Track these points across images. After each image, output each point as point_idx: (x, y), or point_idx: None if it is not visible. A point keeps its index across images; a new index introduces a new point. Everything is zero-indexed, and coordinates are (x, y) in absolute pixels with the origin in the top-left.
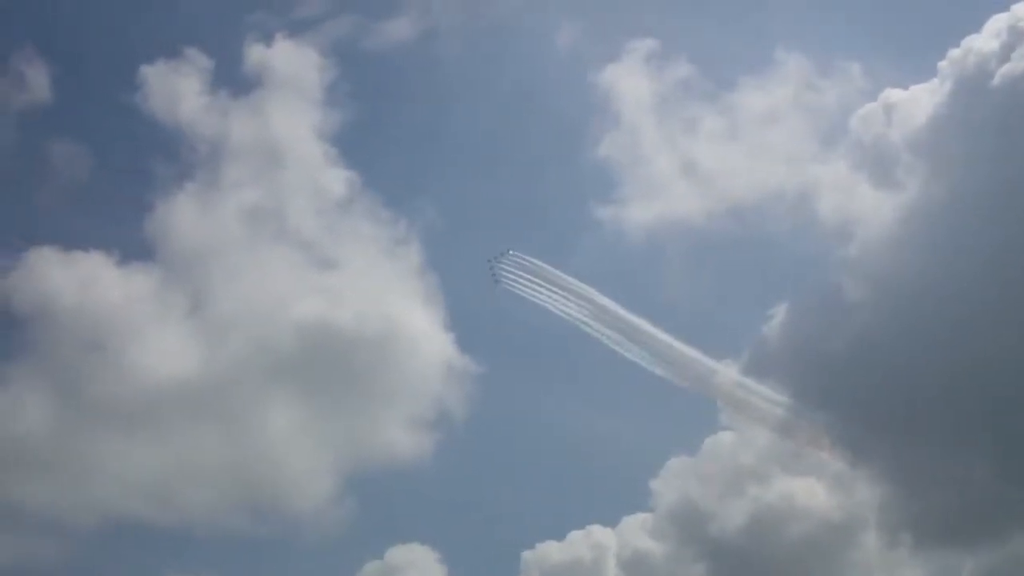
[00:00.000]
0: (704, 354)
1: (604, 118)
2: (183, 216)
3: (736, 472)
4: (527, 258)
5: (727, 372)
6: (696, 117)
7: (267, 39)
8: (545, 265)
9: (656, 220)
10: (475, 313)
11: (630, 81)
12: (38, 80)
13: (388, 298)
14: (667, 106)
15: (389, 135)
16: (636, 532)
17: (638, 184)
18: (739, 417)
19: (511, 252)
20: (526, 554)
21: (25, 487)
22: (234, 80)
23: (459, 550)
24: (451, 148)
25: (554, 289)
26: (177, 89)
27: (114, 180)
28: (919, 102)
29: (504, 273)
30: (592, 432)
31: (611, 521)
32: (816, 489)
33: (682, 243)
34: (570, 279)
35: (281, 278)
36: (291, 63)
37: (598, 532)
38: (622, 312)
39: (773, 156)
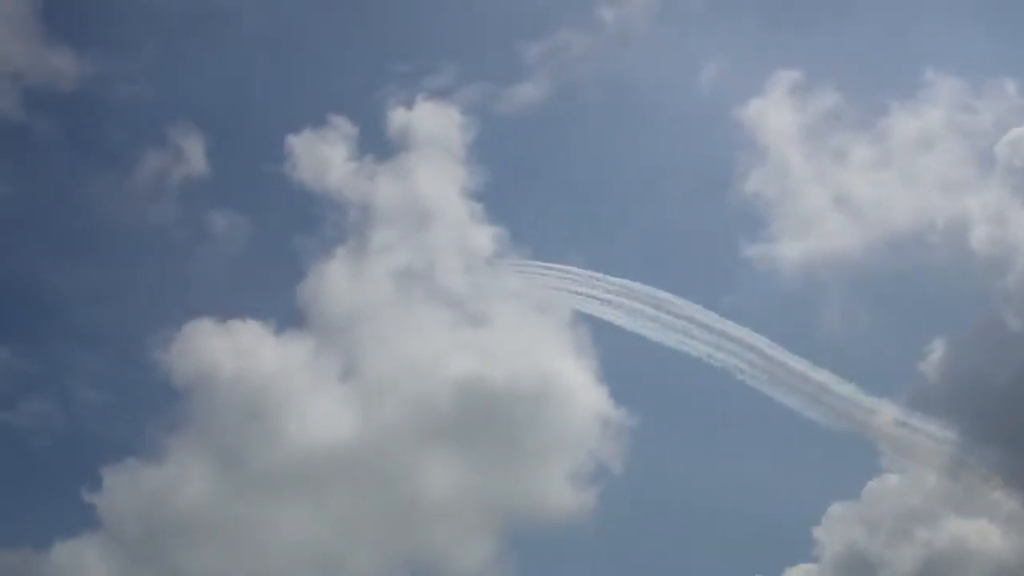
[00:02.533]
0: (861, 393)
1: (750, 154)
2: (334, 281)
3: (903, 516)
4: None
5: (886, 412)
6: (845, 147)
7: (408, 103)
8: (696, 306)
9: (808, 256)
10: (627, 364)
11: (775, 114)
12: (195, 153)
13: (540, 352)
14: (815, 137)
15: (533, 189)
16: None
17: (788, 219)
18: (902, 458)
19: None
20: None
21: (191, 557)
22: (378, 144)
23: None
24: (596, 197)
25: (705, 333)
26: (324, 157)
27: (267, 249)
28: None
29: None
30: (749, 481)
31: (774, 573)
32: (990, 531)
33: (836, 278)
34: (721, 320)
35: (433, 337)
36: (433, 123)
37: None
38: (775, 353)
39: (928, 183)
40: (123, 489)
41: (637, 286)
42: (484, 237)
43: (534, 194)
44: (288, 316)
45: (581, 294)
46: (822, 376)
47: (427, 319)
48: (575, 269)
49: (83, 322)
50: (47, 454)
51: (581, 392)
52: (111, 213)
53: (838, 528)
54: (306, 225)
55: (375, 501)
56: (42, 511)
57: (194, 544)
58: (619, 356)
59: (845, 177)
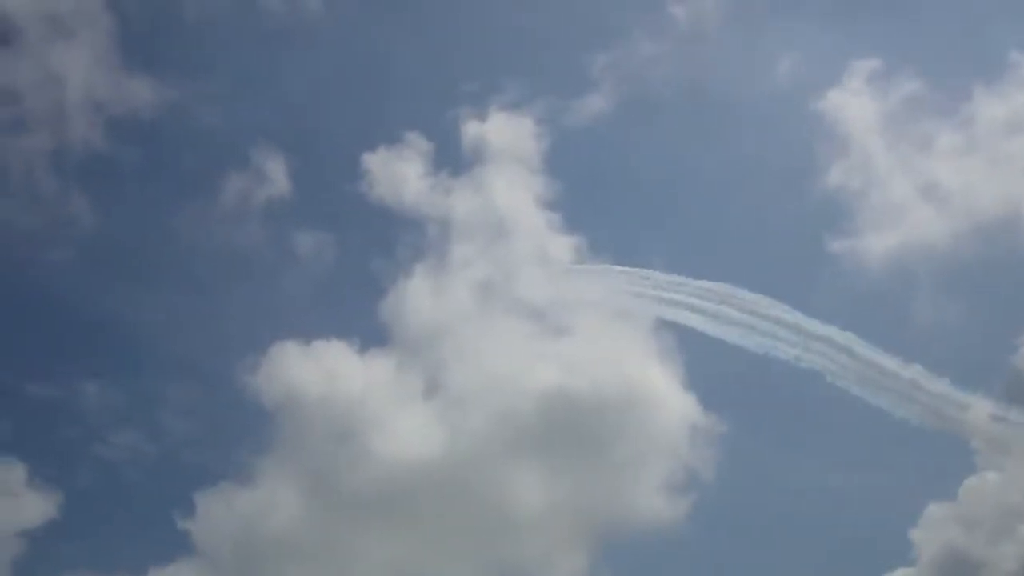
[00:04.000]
0: (954, 389)
1: (831, 146)
2: (415, 298)
3: (1003, 514)
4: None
5: (981, 407)
6: (929, 134)
7: (481, 116)
8: (782, 306)
9: (895, 248)
10: (714, 369)
11: (855, 104)
12: (277, 174)
13: (625, 360)
14: (897, 126)
15: (610, 196)
16: None
17: (873, 211)
18: (998, 455)
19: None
20: None
21: None
22: (453, 159)
23: None
24: (674, 200)
25: (791, 334)
26: (400, 173)
27: (348, 268)
28: None
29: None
30: (842, 485)
31: None
32: None
33: (925, 271)
34: (807, 319)
35: (515, 350)
36: (507, 135)
37: None
38: (864, 352)
39: (1016, 168)
40: (216, 513)
41: (720, 287)
42: (563, 246)
43: (611, 201)
44: (371, 334)
45: (663, 299)
46: (913, 373)
47: (509, 332)
48: (656, 273)
49: (171, 352)
50: (140, 483)
51: (668, 399)
52: (196, 239)
53: (936, 529)
54: (385, 243)
55: (464, 516)
56: (138, 538)
57: (287, 565)
58: (705, 361)
59: (930, 165)
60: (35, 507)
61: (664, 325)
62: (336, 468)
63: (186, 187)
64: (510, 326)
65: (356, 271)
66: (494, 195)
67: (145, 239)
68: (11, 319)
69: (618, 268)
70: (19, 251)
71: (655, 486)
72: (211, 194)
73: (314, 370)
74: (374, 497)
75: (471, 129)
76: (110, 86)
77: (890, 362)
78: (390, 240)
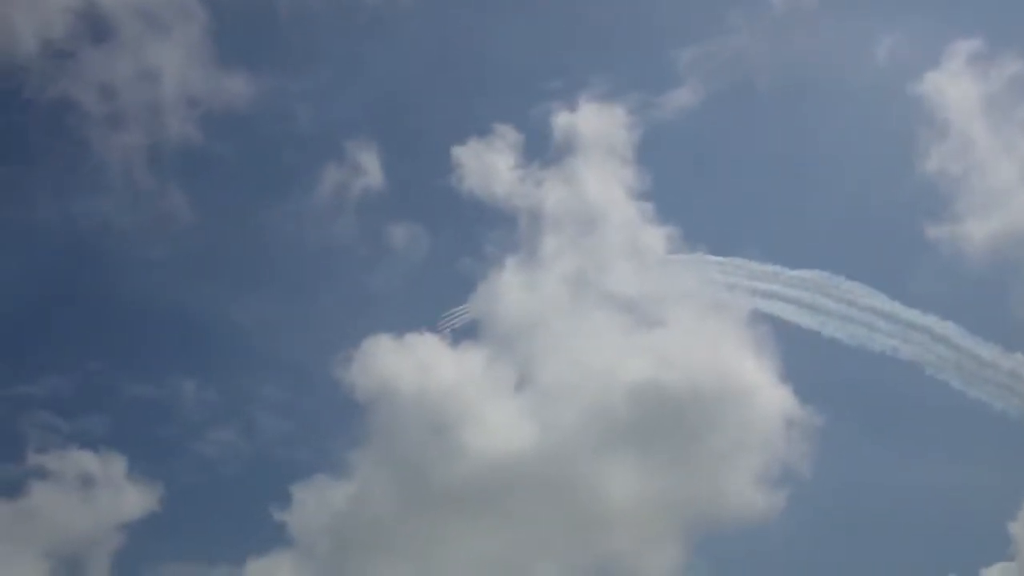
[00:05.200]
0: None
1: (931, 130)
2: (506, 290)
3: None
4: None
5: None
6: None
7: (571, 106)
8: (879, 295)
9: (997, 235)
10: (810, 360)
11: (955, 87)
12: (371, 166)
13: (719, 352)
14: (999, 108)
15: (703, 185)
16: None
17: (975, 197)
18: None
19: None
20: None
21: (379, 570)
22: (544, 150)
23: None
24: (768, 188)
25: (889, 324)
26: (490, 165)
27: (439, 260)
28: None
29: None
30: (940, 478)
31: (971, 573)
32: None
33: None
34: (905, 309)
35: (608, 342)
36: (598, 125)
37: None
38: (964, 342)
39: None
40: (312, 506)
41: (816, 277)
42: (655, 237)
43: (705, 190)
44: (463, 327)
45: (758, 290)
46: (1014, 363)
47: (601, 324)
48: (750, 263)
49: (265, 349)
50: (237, 478)
51: (763, 392)
52: (290, 233)
53: None
54: (476, 235)
55: (557, 510)
56: (236, 531)
57: (382, 557)
58: (801, 352)
59: None
60: (136, 500)
61: (759, 316)
62: (428, 461)
63: (281, 182)
64: (602, 318)
65: (447, 264)
66: (585, 186)
67: (240, 235)
68: (111, 318)
69: (712, 258)
70: (118, 249)
71: (750, 479)
72: (306, 188)
73: (407, 363)
74: (466, 490)
75: (561, 120)
76: (205, 81)
77: (990, 352)
78: (481, 233)
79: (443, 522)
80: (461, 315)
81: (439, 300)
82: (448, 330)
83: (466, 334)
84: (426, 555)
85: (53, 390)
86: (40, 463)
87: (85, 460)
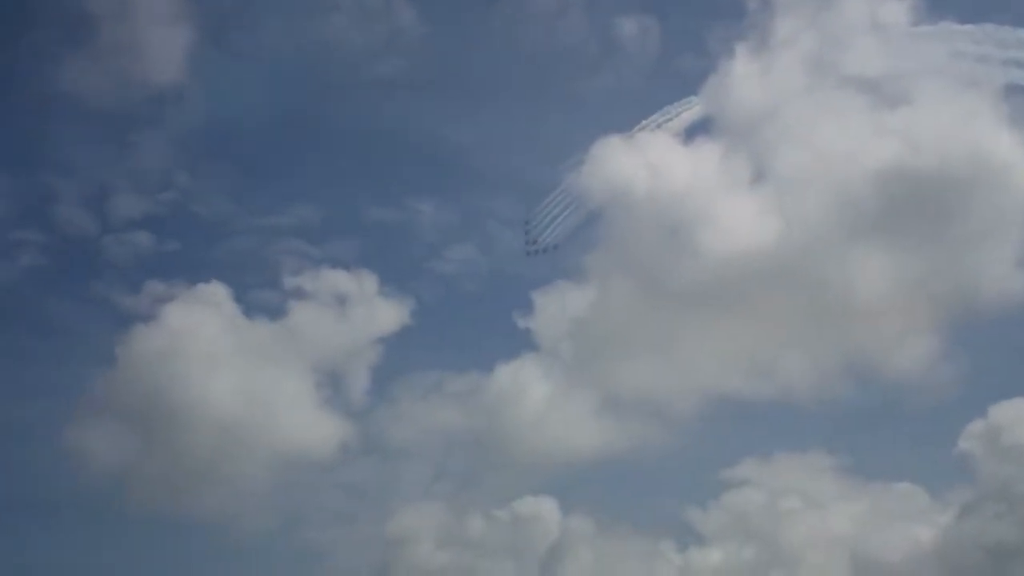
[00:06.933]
0: None
1: None
2: (738, 81)
3: None
4: None
5: None
6: None
7: None
8: None
9: None
10: None
11: None
12: None
13: (970, 131)
14: None
15: None
16: None
17: None
18: None
19: None
20: None
21: (624, 369)
22: None
23: None
24: None
25: None
26: None
27: (667, 54)
28: None
29: None
30: None
31: None
32: None
33: None
34: None
35: (850, 126)
36: None
37: None
38: None
39: None
40: (553, 311)
41: None
42: (897, 9)
43: None
44: (694, 123)
45: (1014, 60)
46: None
47: (842, 107)
48: (1004, 30)
49: (496, 163)
50: (480, 290)
51: (1020, 170)
52: (517, 38)
53: None
54: (704, 24)
55: (802, 304)
56: (483, 339)
57: (626, 357)
58: None
59: None
60: (389, 315)
61: (1014, 89)
62: (666, 261)
63: None
64: (843, 101)
65: (675, 57)
66: None
67: (469, 46)
68: (347, 143)
69: (960, 27)
70: (350, 70)
71: (1008, 263)
72: None
73: (638, 163)
74: (706, 288)
75: None
76: None
77: None
78: (707, 23)
79: (685, 321)
80: (691, 109)
81: (668, 97)
82: (679, 127)
83: (698, 130)
84: (670, 353)
85: (300, 218)
86: (297, 285)
87: (338, 279)
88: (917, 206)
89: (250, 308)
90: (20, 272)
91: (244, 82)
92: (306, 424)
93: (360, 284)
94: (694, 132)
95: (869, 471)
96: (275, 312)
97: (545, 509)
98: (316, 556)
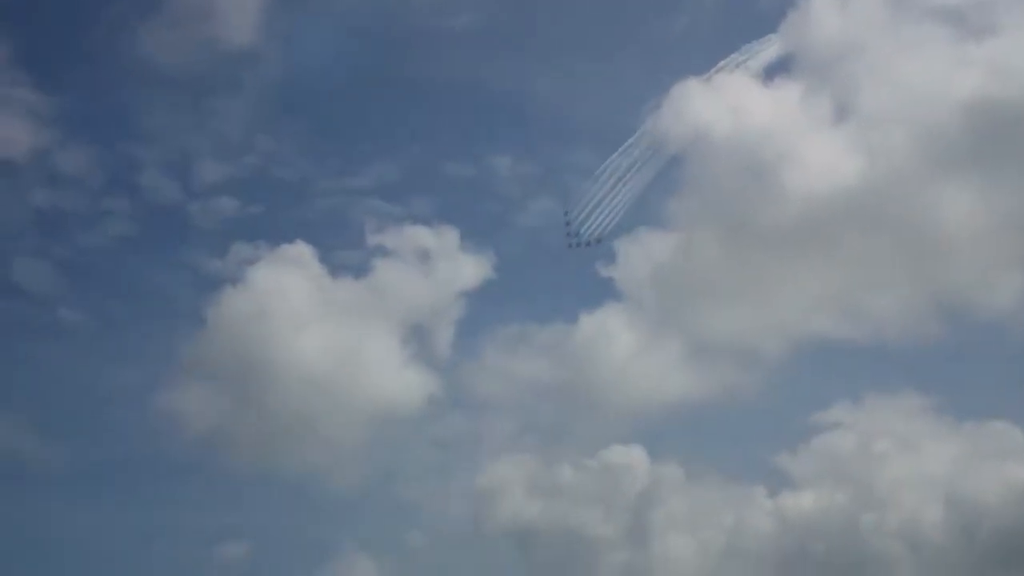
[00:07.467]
0: None
1: None
2: (817, 17)
3: None
4: None
5: None
6: None
7: None
8: None
9: None
10: None
11: None
12: None
13: None
14: None
15: None
16: None
17: None
18: None
19: None
20: None
21: (710, 316)
22: None
23: None
24: None
25: None
26: None
27: None
28: None
29: None
30: None
31: None
32: None
33: None
34: None
35: (933, 59)
36: None
37: None
38: None
39: None
40: (636, 259)
41: None
42: None
43: None
44: (775, 61)
45: None
46: None
47: (925, 39)
48: None
49: (573, 114)
50: (561, 242)
51: None
52: None
53: None
54: None
55: (890, 243)
56: (566, 290)
57: (711, 303)
58: None
59: None
60: (471, 270)
61: None
62: (749, 204)
63: None
64: (926, 33)
65: None
66: None
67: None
68: (421, 99)
69: None
70: (423, 22)
71: None
72: None
73: (718, 106)
74: (791, 231)
75: None
76: None
77: None
78: None
79: (770, 264)
80: (770, 48)
81: (746, 36)
82: (759, 67)
83: (778, 69)
84: (755, 298)
85: (380, 177)
86: (379, 242)
87: (420, 235)
88: (1005, 138)
89: (335, 267)
90: (110, 241)
91: (319, 41)
92: (394, 380)
93: (441, 239)
94: (774, 71)
95: (962, 410)
96: (359, 270)
97: (634, 457)
98: (410, 509)
